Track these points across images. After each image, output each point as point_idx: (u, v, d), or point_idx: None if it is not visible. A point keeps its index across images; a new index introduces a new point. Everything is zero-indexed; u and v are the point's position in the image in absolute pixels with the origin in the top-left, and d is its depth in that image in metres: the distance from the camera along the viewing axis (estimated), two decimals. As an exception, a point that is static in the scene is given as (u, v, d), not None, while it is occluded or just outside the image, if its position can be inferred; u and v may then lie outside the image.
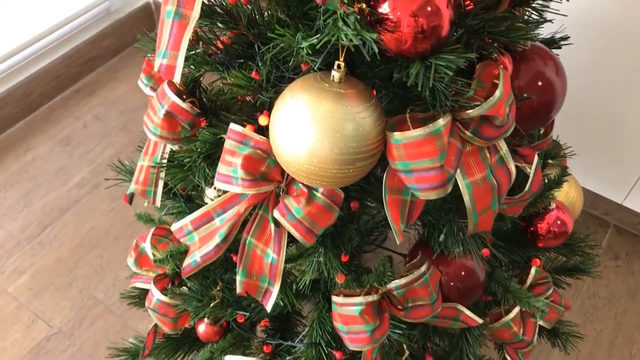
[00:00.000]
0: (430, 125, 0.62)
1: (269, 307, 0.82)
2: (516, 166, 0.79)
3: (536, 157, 0.85)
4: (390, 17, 0.59)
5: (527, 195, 0.86)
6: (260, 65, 0.76)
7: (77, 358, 1.59)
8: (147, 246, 1.04)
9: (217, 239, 0.79)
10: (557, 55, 0.84)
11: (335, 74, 0.63)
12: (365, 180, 0.78)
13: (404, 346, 0.99)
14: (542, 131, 0.95)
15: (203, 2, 0.71)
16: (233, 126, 0.74)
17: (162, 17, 0.65)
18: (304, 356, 0.96)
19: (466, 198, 0.71)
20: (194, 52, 0.76)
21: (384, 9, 0.59)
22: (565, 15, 0.76)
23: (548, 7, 0.76)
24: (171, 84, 0.80)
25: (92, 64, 2.34)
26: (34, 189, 1.97)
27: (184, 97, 0.84)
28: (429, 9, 0.59)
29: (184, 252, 0.99)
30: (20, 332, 1.63)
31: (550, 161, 1.11)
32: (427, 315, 0.87)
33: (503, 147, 0.73)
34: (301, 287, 0.86)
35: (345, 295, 0.84)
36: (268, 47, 0.68)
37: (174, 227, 0.83)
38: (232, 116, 0.82)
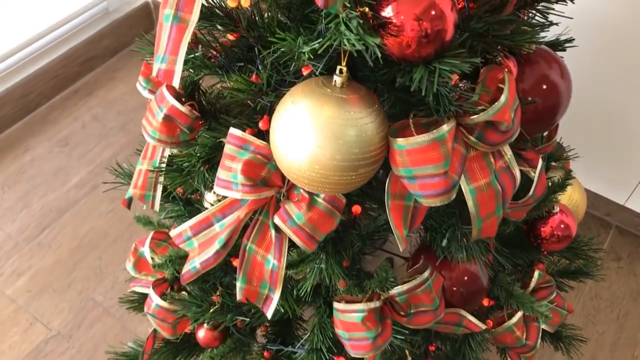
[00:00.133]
0: (435, 131, 0.61)
1: (269, 314, 0.81)
2: (520, 170, 0.77)
3: (540, 161, 0.84)
4: (394, 21, 0.58)
5: (531, 200, 0.85)
6: (260, 68, 0.74)
7: (75, 361, 1.59)
8: (146, 250, 1.03)
9: (216, 245, 0.78)
10: (562, 57, 0.83)
11: (337, 79, 0.62)
12: (367, 184, 0.77)
13: (406, 352, 0.98)
14: (546, 134, 0.93)
15: (202, 4, 0.70)
16: (233, 130, 0.73)
17: (161, 21, 0.64)
18: (304, 362, 0.95)
19: (470, 204, 0.70)
20: (193, 55, 0.75)
21: (387, 12, 0.58)
22: (571, 18, 0.75)
23: (553, 9, 0.75)
24: (170, 87, 0.79)
25: (90, 64, 2.33)
26: (32, 190, 1.96)
27: (183, 100, 0.83)
28: (433, 12, 0.58)
29: (183, 256, 0.98)
30: (19, 334, 1.62)
31: (553, 164, 1.10)
32: (430, 322, 0.86)
33: (508, 152, 0.72)
34: (302, 293, 0.85)
35: (347, 302, 0.83)
36: (269, 51, 0.67)
37: (173, 232, 0.82)
38: (231, 119, 0.80)
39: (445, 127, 0.62)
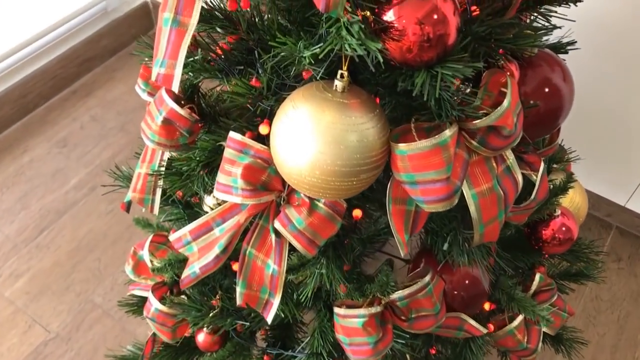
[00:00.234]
0: (437, 136, 0.61)
1: (269, 319, 0.81)
2: (522, 173, 0.77)
3: (542, 165, 0.83)
4: (396, 25, 0.57)
5: (533, 204, 0.84)
6: (260, 72, 0.74)
7: (74, 363, 1.58)
8: (145, 254, 1.02)
9: (216, 250, 0.77)
10: (564, 60, 0.82)
11: (338, 84, 0.61)
12: (367, 188, 0.76)
13: (407, 356, 0.98)
14: (547, 137, 0.93)
15: (202, 7, 0.69)
16: (233, 134, 0.72)
17: (160, 25, 0.63)
18: (305, 366, 0.94)
19: (472, 209, 0.70)
20: (192, 59, 0.74)
21: (389, 16, 0.58)
22: (574, 21, 0.74)
23: (555, 11, 0.74)
24: (169, 90, 0.78)
25: (89, 64, 2.32)
26: (30, 192, 1.95)
27: (182, 102, 0.82)
28: (435, 16, 0.57)
29: (182, 260, 0.97)
30: (17, 337, 1.62)
31: (554, 166, 1.10)
32: (431, 326, 0.85)
33: (510, 156, 0.71)
34: (303, 299, 0.84)
35: (348, 307, 0.83)
36: (269, 56, 0.66)
37: (173, 237, 0.81)
38: (231, 122, 0.80)
39: (447, 132, 0.61)
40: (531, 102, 0.76)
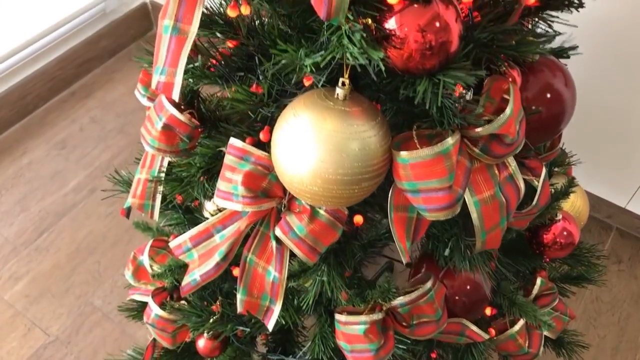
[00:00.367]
0: (439, 144, 0.60)
1: (270, 326, 0.80)
2: (523, 179, 0.76)
3: (544, 171, 0.83)
4: (397, 33, 0.57)
5: (535, 210, 0.84)
6: (261, 78, 0.73)
7: (74, 366, 1.58)
8: (145, 259, 1.02)
9: (216, 257, 0.77)
10: (565, 65, 0.82)
11: (340, 92, 0.60)
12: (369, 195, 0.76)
13: (408, 361, 0.97)
14: (549, 143, 0.92)
15: (202, 12, 0.69)
16: (233, 141, 0.72)
17: (160, 32, 0.63)
18: (306, 372, 0.94)
19: (474, 216, 0.69)
20: (192, 65, 0.73)
21: (390, 24, 0.57)
22: (576, 26, 0.74)
23: (557, 17, 0.74)
24: (169, 97, 0.78)
25: (88, 66, 2.31)
26: (30, 194, 1.95)
27: (182, 107, 0.82)
28: (437, 24, 0.57)
29: (182, 265, 0.97)
30: (17, 340, 1.61)
31: (555, 169, 1.09)
32: (432, 332, 0.85)
33: (512, 163, 0.71)
34: (304, 306, 0.84)
35: (349, 313, 0.82)
36: (270, 63, 0.66)
37: (173, 244, 0.81)
38: (231, 128, 0.79)
39: (449, 141, 0.61)
40: (533, 108, 0.75)
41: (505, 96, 0.65)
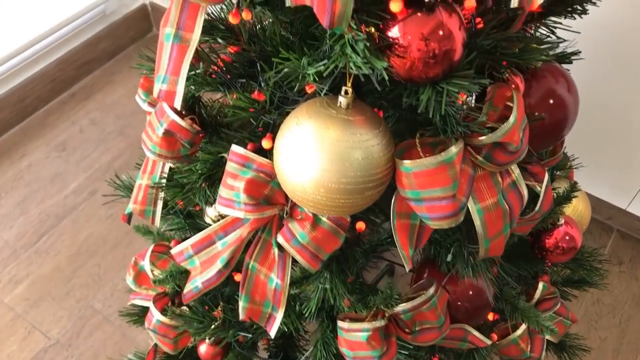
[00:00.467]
0: (443, 153, 0.60)
1: (272, 333, 0.80)
2: (526, 185, 0.76)
3: (547, 176, 0.82)
4: (401, 41, 0.56)
5: (538, 215, 0.84)
6: (262, 85, 0.73)
7: (75, 370, 1.57)
8: (146, 265, 1.01)
9: (218, 264, 0.77)
10: (568, 70, 0.81)
11: (343, 100, 0.60)
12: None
13: (410, 367, 0.97)
14: (551, 148, 0.92)
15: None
16: (235, 148, 0.72)
17: (161, 40, 0.62)
18: (308, 378, 0.93)
19: (477, 224, 0.69)
20: (194, 72, 0.73)
21: (394, 33, 0.57)
22: (579, 32, 0.73)
23: (560, 23, 0.74)
24: (170, 103, 0.77)
25: (88, 67, 2.31)
26: (29, 196, 1.94)
27: (183, 113, 0.82)
28: (440, 32, 0.56)
29: (184, 271, 0.96)
30: (17, 343, 1.61)
31: (557, 173, 1.09)
32: (435, 339, 0.85)
33: (515, 170, 0.70)
34: (306, 314, 0.83)
35: (352, 320, 0.82)
36: (272, 72, 0.65)
37: (174, 250, 0.81)
38: (233, 133, 0.79)
39: (453, 150, 0.60)
40: (536, 114, 0.75)
41: (509, 103, 0.65)
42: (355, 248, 0.83)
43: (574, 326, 1.62)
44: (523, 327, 1.02)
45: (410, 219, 0.71)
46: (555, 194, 0.98)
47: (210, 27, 0.78)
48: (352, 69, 0.54)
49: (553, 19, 0.74)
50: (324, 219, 0.71)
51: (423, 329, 0.84)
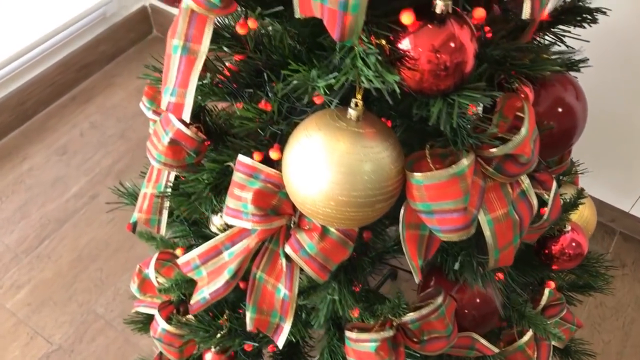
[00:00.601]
0: (454, 166, 0.59)
1: (280, 343, 0.80)
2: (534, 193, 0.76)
3: (554, 185, 0.82)
4: (412, 54, 0.56)
5: (546, 224, 0.83)
6: (270, 95, 0.72)
7: (78, 375, 1.57)
8: (150, 272, 1.01)
9: (226, 275, 0.76)
10: (576, 77, 0.81)
11: (353, 113, 0.59)
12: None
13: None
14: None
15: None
16: (242, 158, 0.71)
17: (169, 52, 0.62)
18: (314, 386, 0.93)
19: (487, 234, 0.69)
20: (201, 83, 0.72)
21: (405, 45, 0.56)
22: (588, 41, 0.73)
23: (569, 32, 0.73)
24: (176, 112, 0.77)
25: (88, 70, 2.30)
26: (30, 200, 1.93)
27: (189, 122, 0.81)
28: (452, 44, 0.56)
29: (189, 280, 0.96)
30: (19, 349, 1.60)
31: (563, 179, 1.09)
32: (443, 348, 0.84)
33: (525, 180, 0.70)
34: (314, 324, 0.83)
35: (360, 330, 0.81)
36: (281, 84, 0.65)
37: (181, 260, 0.80)
38: (239, 142, 0.78)
39: (465, 162, 0.60)
40: (545, 123, 0.74)
41: (519, 114, 0.64)
42: (363, 257, 0.82)
43: (578, 330, 1.62)
44: (529, 333, 1.02)
45: (420, 230, 0.71)
46: (562, 201, 0.97)
47: (216, 35, 0.77)
48: (363, 82, 0.53)
49: (562, 27, 0.74)
50: (332, 229, 0.71)
51: (431, 338, 0.83)
